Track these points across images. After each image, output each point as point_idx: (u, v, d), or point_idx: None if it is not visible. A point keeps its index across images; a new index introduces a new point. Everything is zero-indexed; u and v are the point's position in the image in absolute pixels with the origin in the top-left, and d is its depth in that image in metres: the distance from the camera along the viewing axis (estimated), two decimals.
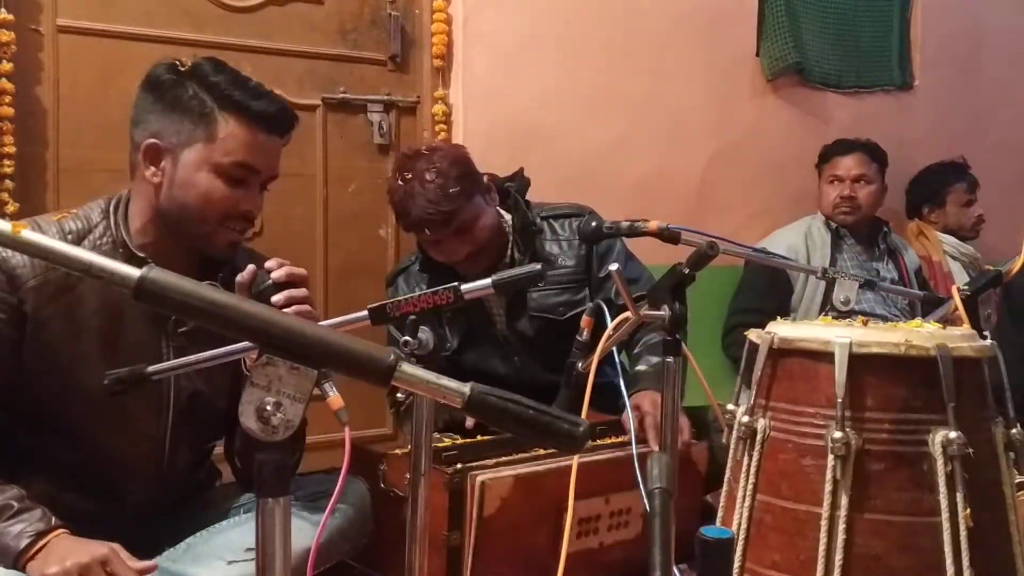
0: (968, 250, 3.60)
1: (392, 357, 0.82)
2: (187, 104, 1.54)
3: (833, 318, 1.87)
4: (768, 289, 3.12)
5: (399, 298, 1.32)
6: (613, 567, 1.90)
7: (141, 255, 1.55)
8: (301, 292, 1.52)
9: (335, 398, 1.36)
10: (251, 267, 1.51)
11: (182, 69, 1.58)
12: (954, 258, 3.57)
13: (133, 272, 0.79)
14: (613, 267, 1.46)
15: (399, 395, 1.76)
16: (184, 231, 1.58)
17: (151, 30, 2.47)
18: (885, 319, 3.01)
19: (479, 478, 1.72)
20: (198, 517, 1.69)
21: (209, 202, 1.55)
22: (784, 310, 3.11)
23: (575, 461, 1.34)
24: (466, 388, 0.84)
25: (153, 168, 1.56)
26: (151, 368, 1.37)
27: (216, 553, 1.60)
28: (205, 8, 2.58)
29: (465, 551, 1.75)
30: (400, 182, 2.12)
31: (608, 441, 2.02)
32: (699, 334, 2.59)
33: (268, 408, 0.81)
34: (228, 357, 1.28)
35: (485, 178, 2.25)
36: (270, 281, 1.50)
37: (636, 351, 2.19)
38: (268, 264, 1.51)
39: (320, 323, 1.33)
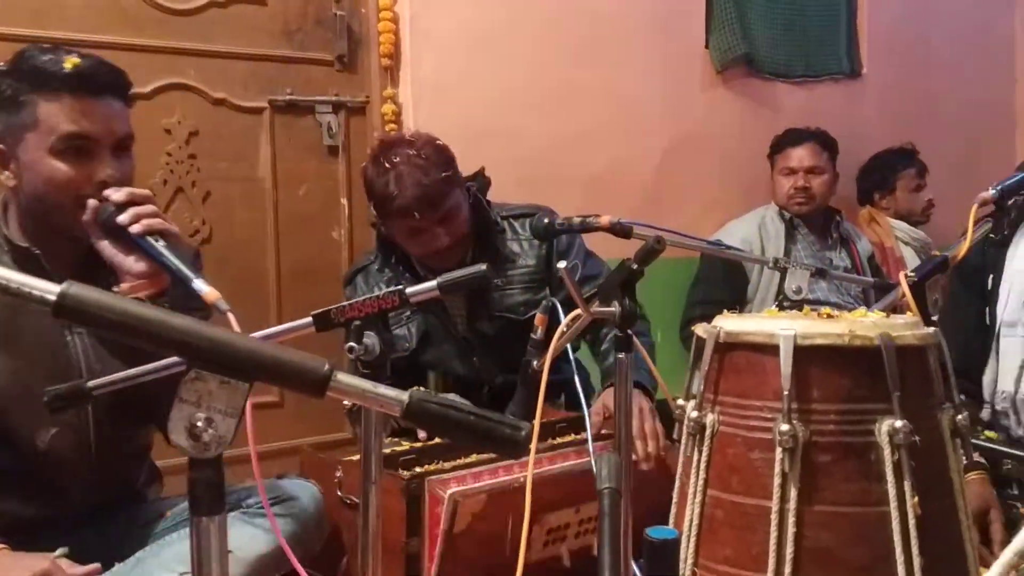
0: (919, 235, 3.65)
1: (326, 367, 0.80)
2: (5, 101, 1.51)
3: (786, 307, 1.88)
4: (724, 280, 3.14)
5: (343, 303, 1.29)
6: (578, 571, 1.89)
7: (24, 245, 1.54)
8: (147, 208, 1.48)
9: (209, 292, 1.34)
10: (91, 201, 1.48)
11: (3, 69, 1.54)
12: (906, 243, 3.61)
13: (52, 288, 0.76)
14: (561, 265, 1.45)
15: None
16: (51, 225, 1.55)
17: (87, 35, 2.42)
18: (839, 307, 3.04)
19: (450, 492, 1.69)
20: (144, 529, 1.67)
21: (56, 187, 1.50)
22: (740, 301, 3.14)
23: (530, 471, 1.33)
24: (404, 396, 0.82)
25: (7, 172, 1.54)
26: (91, 384, 1.34)
27: (167, 566, 1.57)
28: (143, 11, 2.53)
29: (424, 558, 1.73)
30: (386, 165, 2.07)
31: (568, 438, 2.00)
32: (659, 327, 2.60)
33: (199, 424, 0.78)
34: (159, 373, 1.24)
35: None
36: (112, 207, 1.48)
37: (604, 347, 2.18)
38: (106, 192, 1.49)
39: (264, 331, 1.30)
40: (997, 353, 1.90)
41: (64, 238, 1.57)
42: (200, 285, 1.36)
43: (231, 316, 1.27)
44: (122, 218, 1.47)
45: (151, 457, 1.81)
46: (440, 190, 2.06)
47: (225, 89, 2.65)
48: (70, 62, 1.50)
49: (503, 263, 2.24)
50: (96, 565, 1.46)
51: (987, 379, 1.91)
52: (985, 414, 1.90)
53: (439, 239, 2.09)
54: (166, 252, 1.46)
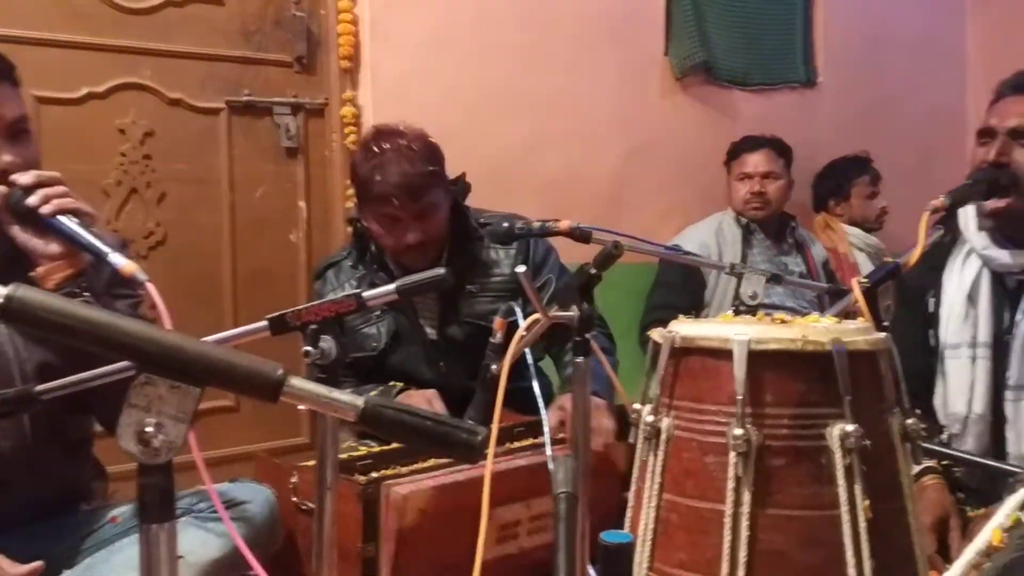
0: (873, 241, 3.71)
1: (280, 371, 0.79)
2: None
3: (742, 312, 1.90)
4: (682, 285, 3.16)
5: (299, 307, 1.28)
6: (533, 570, 1.89)
7: None
8: (56, 188, 1.46)
9: (126, 265, 1.32)
10: (0, 188, 1.46)
11: None
12: (860, 249, 3.67)
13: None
14: (520, 269, 1.45)
15: None
16: None
17: (40, 33, 2.39)
18: (795, 311, 3.08)
19: (397, 490, 1.69)
20: (93, 535, 1.64)
21: None
22: (698, 305, 3.16)
23: (487, 474, 1.33)
24: (359, 401, 0.81)
25: None
26: (39, 388, 1.32)
27: (118, 572, 1.55)
28: (99, 10, 2.50)
29: (381, 563, 1.72)
30: (375, 150, 2.09)
31: (527, 443, 2.00)
32: (618, 331, 2.61)
33: (149, 430, 0.77)
34: (109, 378, 1.22)
35: None
36: (20, 191, 1.46)
37: (568, 357, 2.19)
38: (12, 177, 1.46)
39: (217, 335, 1.29)
40: (944, 375, 1.93)
41: None
42: (116, 258, 1.34)
43: (151, 287, 1.25)
44: (31, 200, 1.44)
45: (94, 455, 1.78)
46: (423, 182, 2.07)
47: (181, 89, 2.62)
48: None
49: (478, 270, 2.24)
50: (38, 564, 1.43)
51: (937, 402, 1.94)
52: (944, 437, 1.92)
53: (411, 233, 2.09)
54: (79, 229, 1.44)
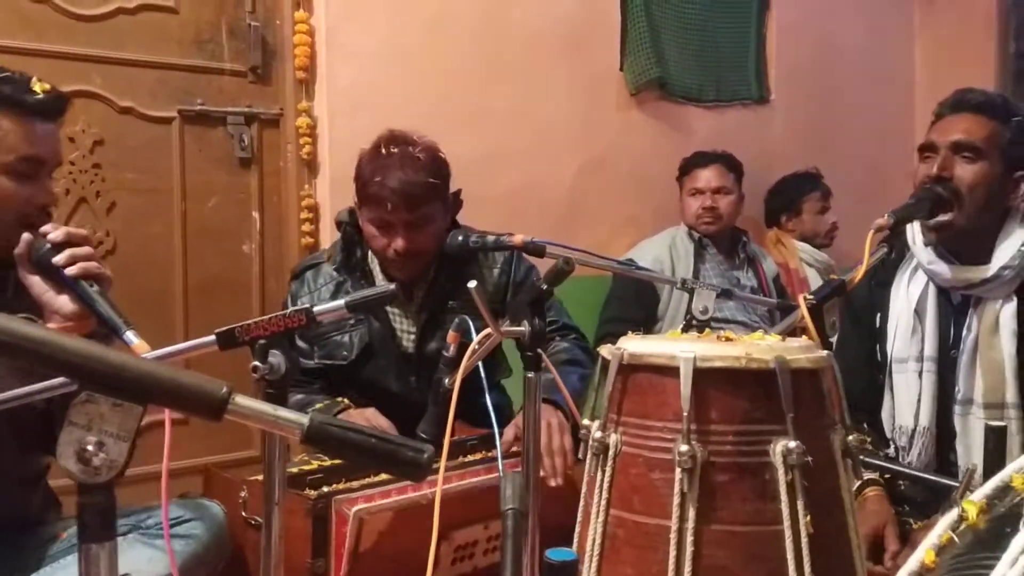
0: (822, 257, 3.77)
1: (224, 389, 0.79)
2: None
3: (694, 326, 1.92)
4: (635, 299, 3.19)
5: (248, 321, 1.27)
6: None
7: None
8: (84, 250, 1.49)
9: (140, 344, 1.33)
10: (25, 236, 1.48)
11: None
12: (810, 265, 3.73)
13: None
14: (471, 284, 1.45)
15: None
16: None
17: None
18: (746, 325, 3.12)
19: (355, 510, 1.67)
20: (35, 553, 1.61)
21: (5, 206, 1.50)
22: (651, 319, 3.19)
23: (439, 489, 1.33)
24: (304, 419, 0.81)
25: None
26: None
27: None
28: (47, 16, 2.46)
29: None
30: (382, 151, 2.10)
31: (479, 456, 2.00)
32: None
33: (89, 448, 0.76)
34: (47, 394, 1.21)
35: None
36: (48, 245, 1.48)
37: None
38: (43, 228, 1.49)
39: (163, 349, 1.28)
40: (891, 390, 1.97)
41: None
42: (131, 337, 1.37)
43: (175, 345, 1.27)
44: (59, 259, 1.47)
45: (47, 482, 1.75)
46: (421, 192, 2.06)
47: (132, 98, 2.59)
48: (40, 87, 1.54)
49: (462, 286, 2.23)
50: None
51: (885, 415, 1.98)
52: (891, 452, 1.96)
53: (400, 240, 2.08)
54: (100, 299, 1.47)
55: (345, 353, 2.21)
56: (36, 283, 1.50)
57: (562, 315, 2.34)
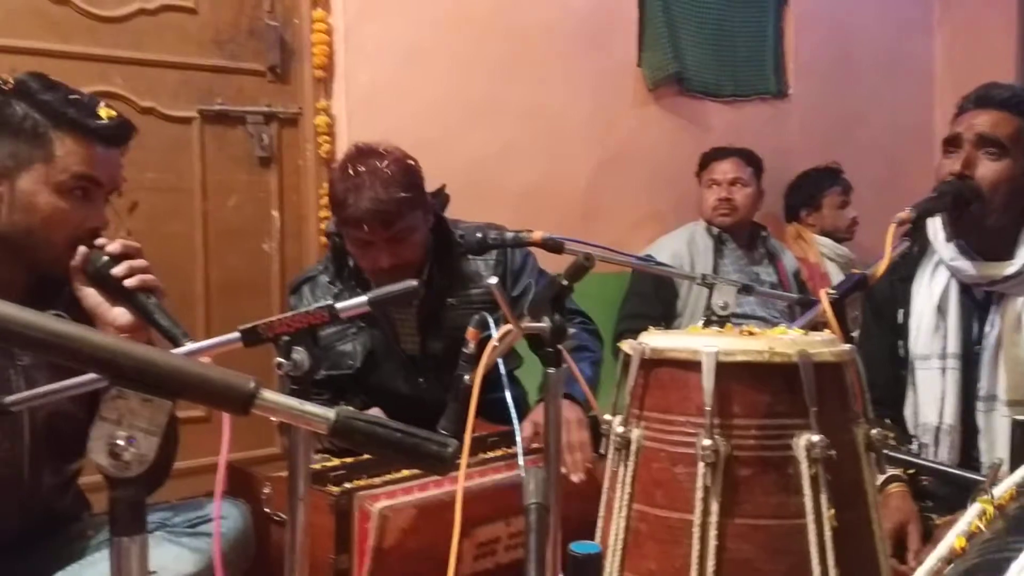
0: (843, 251, 3.75)
1: (252, 384, 0.80)
2: (18, 126, 1.49)
3: (714, 322, 1.92)
4: (654, 295, 3.18)
5: (272, 318, 1.28)
6: None
7: None
8: (141, 262, 1.51)
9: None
10: (82, 248, 1.49)
11: (6, 88, 1.52)
12: (831, 259, 3.71)
13: None
14: (492, 281, 1.45)
15: None
16: (30, 257, 1.53)
17: (12, 41, 2.37)
18: (766, 321, 3.11)
19: (378, 507, 1.68)
20: (65, 550, 1.62)
21: (54, 224, 1.50)
22: (670, 315, 3.19)
23: (460, 485, 1.33)
24: (331, 413, 0.82)
25: None
26: (8, 399, 1.31)
27: None
28: (71, 18, 2.49)
29: (354, 574, 1.72)
30: (350, 172, 2.06)
31: (500, 453, 2.01)
32: None
33: (120, 443, 0.77)
34: (82, 388, 1.22)
35: None
36: (106, 257, 1.49)
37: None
38: (99, 241, 1.51)
39: (188, 346, 1.29)
40: (914, 386, 1.95)
41: (20, 273, 1.55)
42: (190, 346, 1.37)
43: (201, 342, 1.28)
44: (118, 270, 1.48)
45: (77, 483, 1.77)
46: (395, 209, 2.03)
47: (153, 98, 2.61)
48: (105, 113, 1.54)
49: (459, 283, 2.23)
50: None
51: (908, 412, 1.96)
52: (915, 448, 1.95)
53: (383, 258, 2.07)
54: (158, 311, 1.48)
55: (350, 362, 2.22)
56: (91, 295, 1.51)
57: (568, 300, 2.34)
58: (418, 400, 2.18)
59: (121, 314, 1.50)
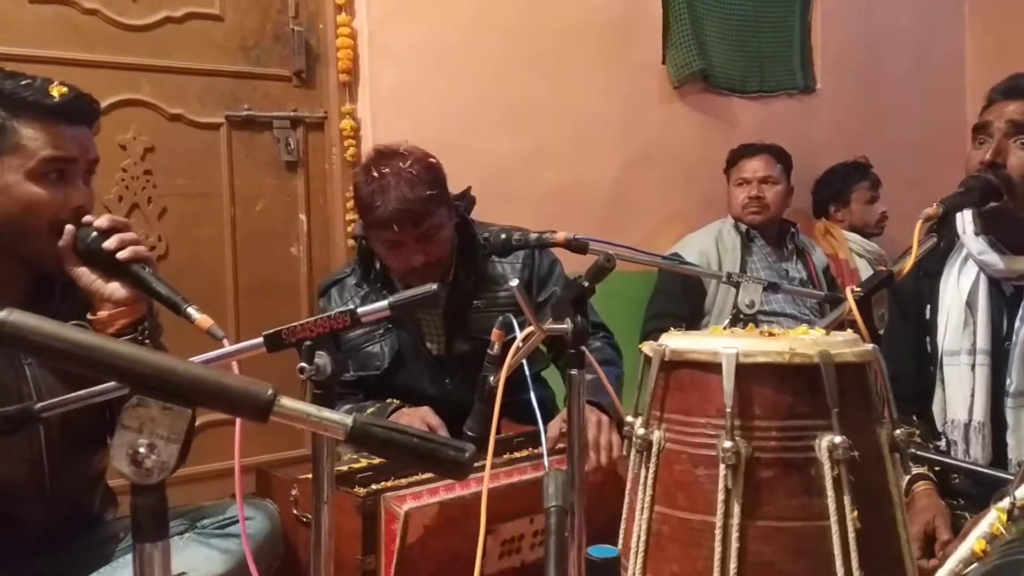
0: (873, 247, 3.72)
1: (270, 392, 0.81)
2: None
3: (741, 320, 1.91)
4: (681, 294, 3.17)
5: (295, 324, 1.30)
6: None
7: None
8: (131, 234, 1.51)
9: (202, 319, 1.35)
10: (69, 227, 1.49)
11: None
12: (860, 255, 3.68)
13: None
14: (513, 283, 1.46)
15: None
16: (18, 250, 1.53)
17: (41, 51, 2.41)
18: (795, 318, 3.09)
19: (400, 505, 1.69)
20: (98, 551, 1.65)
21: (35, 211, 1.50)
22: (698, 314, 3.17)
23: (485, 485, 1.34)
24: (348, 420, 0.83)
25: None
26: (40, 405, 1.34)
27: None
28: (98, 27, 2.52)
29: (381, 575, 1.73)
30: (374, 174, 2.07)
31: (525, 453, 2.01)
32: (618, 341, 2.62)
33: (141, 451, 0.78)
34: (106, 395, 1.24)
35: None
36: (95, 233, 1.49)
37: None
38: (86, 218, 1.50)
39: (212, 352, 1.30)
40: (943, 383, 1.93)
41: (19, 268, 1.56)
42: (193, 312, 1.38)
43: (226, 342, 1.29)
44: (109, 244, 1.48)
45: (106, 480, 1.79)
46: (423, 207, 2.05)
47: (181, 105, 2.64)
48: (57, 90, 1.52)
49: (485, 285, 2.24)
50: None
51: (936, 409, 1.94)
52: (943, 445, 1.92)
53: (415, 257, 2.09)
54: (155, 280, 1.48)
55: (378, 363, 2.23)
56: (84, 274, 1.51)
57: (591, 312, 2.34)
58: (445, 401, 2.19)
59: (116, 289, 1.50)
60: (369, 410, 2.14)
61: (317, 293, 2.38)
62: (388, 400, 2.18)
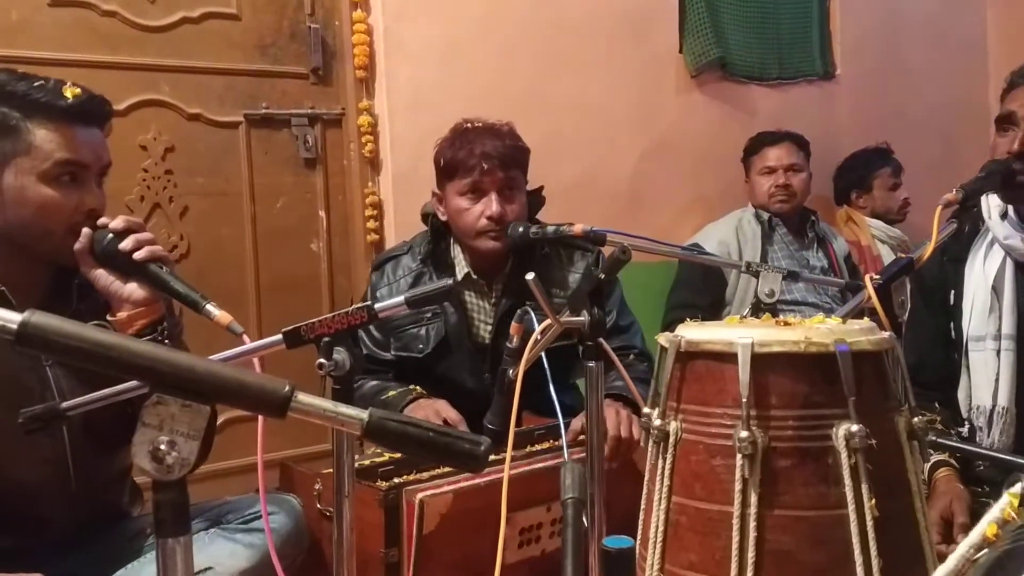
0: (896, 233, 3.69)
1: (287, 388, 0.82)
2: None
3: (762, 309, 1.90)
4: (702, 284, 3.16)
5: (313, 320, 1.31)
6: (556, 572, 1.90)
7: None
8: (146, 234, 1.52)
9: (221, 315, 1.37)
10: (85, 230, 1.51)
11: None
12: (883, 242, 3.65)
13: (14, 317, 0.77)
14: (529, 276, 1.46)
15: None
16: (33, 250, 1.55)
17: (61, 54, 2.44)
18: (817, 307, 3.07)
19: (418, 496, 1.71)
20: (126, 547, 1.67)
21: (47, 213, 1.51)
22: (719, 304, 3.16)
23: (506, 476, 1.35)
24: (364, 414, 0.84)
25: None
26: (65, 404, 1.35)
27: None
28: (119, 29, 2.55)
29: (404, 567, 1.74)
30: (467, 127, 2.20)
31: (546, 445, 2.02)
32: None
33: (162, 448, 0.80)
34: (129, 394, 1.26)
35: None
36: (111, 235, 1.50)
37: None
38: (101, 221, 1.52)
39: (231, 351, 1.32)
40: (967, 368, 1.91)
41: (38, 267, 1.58)
42: (212, 309, 1.39)
43: (246, 338, 1.31)
44: (125, 245, 1.49)
45: (132, 477, 1.82)
46: (511, 155, 2.15)
47: (200, 104, 2.66)
48: (71, 92, 1.53)
49: (546, 287, 2.24)
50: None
51: (961, 395, 1.92)
52: (964, 431, 1.91)
53: (491, 207, 2.13)
54: (173, 279, 1.49)
55: (421, 346, 2.24)
56: (101, 276, 1.52)
57: (623, 315, 2.33)
58: (482, 395, 2.19)
59: (134, 289, 1.52)
60: (390, 392, 2.15)
61: (371, 268, 2.42)
62: (411, 387, 2.18)
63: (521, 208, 2.19)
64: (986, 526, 0.61)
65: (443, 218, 2.26)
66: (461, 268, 2.26)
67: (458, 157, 2.14)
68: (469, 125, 2.20)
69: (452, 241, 2.28)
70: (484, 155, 2.12)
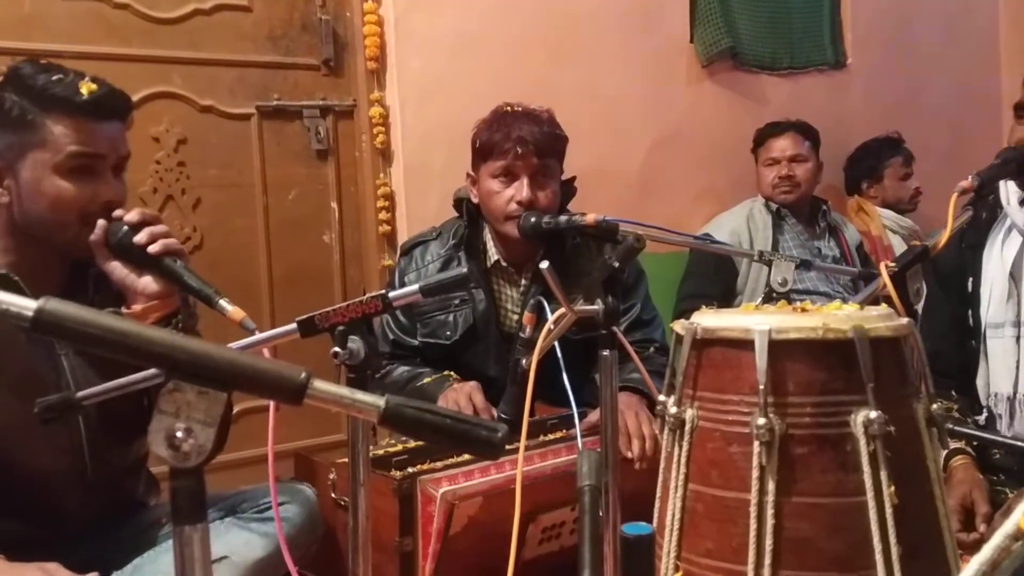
0: (907, 223, 3.67)
1: (303, 375, 0.82)
2: (9, 116, 1.51)
3: (774, 299, 1.89)
4: (714, 274, 3.15)
5: (327, 309, 1.31)
6: (572, 566, 1.89)
7: (3, 272, 1.53)
8: (161, 227, 1.52)
9: (234, 311, 1.37)
10: (100, 222, 1.51)
11: (3, 84, 1.54)
12: (894, 231, 3.63)
13: (29, 304, 0.77)
14: (543, 265, 1.45)
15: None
16: (50, 242, 1.55)
17: (74, 47, 2.44)
18: (829, 296, 3.06)
19: (440, 491, 1.70)
20: (142, 536, 1.68)
21: (62, 206, 1.52)
22: (730, 294, 3.15)
23: (519, 468, 1.34)
24: (381, 401, 0.84)
25: (0, 188, 1.54)
26: (81, 394, 1.36)
27: (165, 571, 1.59)
28: (131, 21, 2.55)
29: (418, 556, 1.75)
30: (506, 110, 2.19)
31: (560, 435, 2.02)
32: None
33: (178, 435, 0.80)
34: (145, 383, 1.26)
35: None
36: (126, 227, 1.51)
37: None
38: (116, 213, 1.52)
39: (247, 339, 1.32)
40: (986, 356, 1.90)
41: (54, 257, 1.58)
42: (225, 304, 1.39)
43: (258, 334, 1.31)
44: (139, 238, 1.49)
45: (147, 467, 1.82)
46: (547, 142, 2.15)
47: (212, 96, 2.67)
48: (86, 88, 1.53)
49: (574, 279, 2.23)
50: (93, 574, 1.47)
51: (980, 382, 1.91)
52: (982, 419, 1.90)
53: (522, 191, 2.13)
54: (187, 273, 1.49)
55: (448, 333, 2.25)
56: (116, 268, 1.53)
57: (647, 309, 2.32)
58: (504, 384, 2.20)
59: (149, 283, 1.52)
60: (426, 379, 2.16)
61: (400, 252, 2.42)
62: (446, 372, 2.19)
63: (554, 196, 2.18)
64: (1021, 517, 0.60)
65: (475, 200, 2.25)
66: (492, 255, 2.26)
67: (494, 139, 2.14)
68: (509, 108, 2.20)
69: (485, 227, 2.28)
70: (520, 139, 2.11)
